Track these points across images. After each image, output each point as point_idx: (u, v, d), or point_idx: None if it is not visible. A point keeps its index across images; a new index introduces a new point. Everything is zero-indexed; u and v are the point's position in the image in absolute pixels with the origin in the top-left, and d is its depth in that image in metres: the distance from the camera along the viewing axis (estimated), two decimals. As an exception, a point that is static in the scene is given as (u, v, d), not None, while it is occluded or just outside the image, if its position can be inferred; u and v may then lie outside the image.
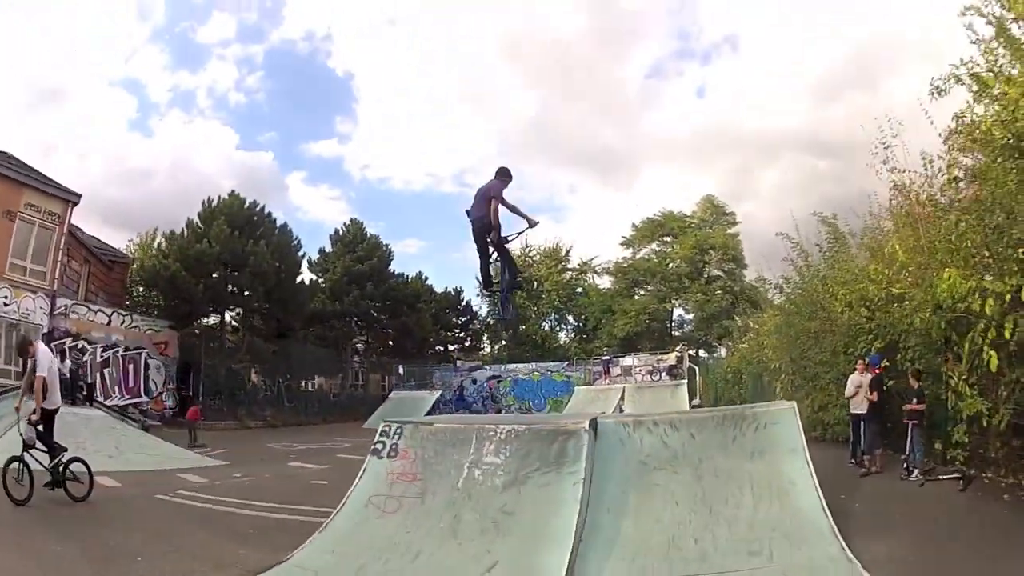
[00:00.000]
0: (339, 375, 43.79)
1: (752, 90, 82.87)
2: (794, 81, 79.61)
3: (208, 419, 27.04)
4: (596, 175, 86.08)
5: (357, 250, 43.46)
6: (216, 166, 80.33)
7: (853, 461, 13.43)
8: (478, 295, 51.22)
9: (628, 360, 39.11)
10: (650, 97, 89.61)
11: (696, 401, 37.18)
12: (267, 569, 6.74)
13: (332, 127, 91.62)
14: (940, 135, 11.80)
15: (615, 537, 7.05)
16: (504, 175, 9.96)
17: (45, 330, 25.19)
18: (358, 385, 45.11)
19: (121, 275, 34.91)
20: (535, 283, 51.01)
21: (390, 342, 46.37)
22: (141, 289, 35.51)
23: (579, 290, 53.27)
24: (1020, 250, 9.33)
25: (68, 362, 22.98)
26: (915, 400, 11.68)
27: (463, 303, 51.40)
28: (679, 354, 35.59)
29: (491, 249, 10.17)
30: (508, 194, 9.99)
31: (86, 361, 27.01)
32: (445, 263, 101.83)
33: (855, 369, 13.49)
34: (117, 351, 28.75)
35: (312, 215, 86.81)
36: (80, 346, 27.18)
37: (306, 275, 41.88)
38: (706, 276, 50.97)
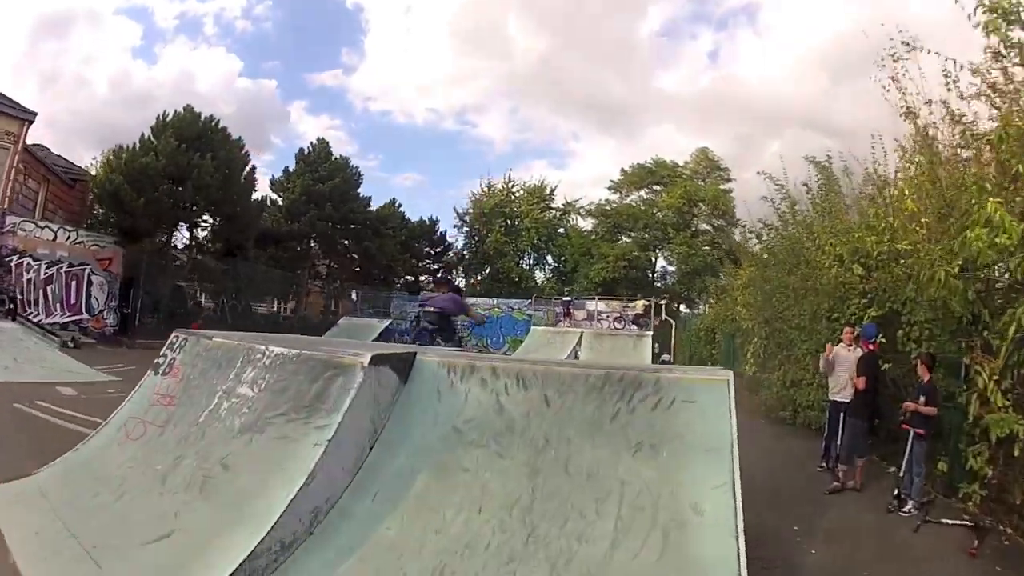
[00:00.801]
0: (293, 298, 40.04)
1: (764, 63, 78.05)
2: (807, 58, 74.29)
3: (145, 338, 24.79)
4: (600, 126, 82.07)
5: (320, 170, 39.56)
6: (218, 92, 76.65)
7: (824, 465, 9.75)
8: (455, 227, 48.32)
9: (595, 305, 35.46)
10: (661, 55, 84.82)
11: (666, 357, 34.20)
12: (7, 481, 5.85)
13: (338, 58, 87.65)
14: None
15: (361, 543, 4.49)
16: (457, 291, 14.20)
17: (-10, 246, 23.83)
18: (324, 310, 41.05)
19: (82, 193, 32.18)
20: (516, 219, 47.50)
21: (356, 268, 42.73)
22: (98, 207, 32.14)
23: (561, 231, 49.41)
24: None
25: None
26: (922, 399, 7.63)
27: (438, 233, 47.88)
28: (647, 303, 31.69)
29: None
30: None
31: (30, 279, 25.34)
32: (441, 198, 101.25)
33: (840, 340, 9.63)
34: (61, 267, 26.68)
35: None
36: (25, 263, 25.35)
37: (269, 195, 39.26)
38: (693, 229, 47.14)
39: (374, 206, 42.98)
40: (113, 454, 5.97)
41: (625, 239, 48.68)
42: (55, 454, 6.37)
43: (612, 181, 51.24)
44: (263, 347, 5.98)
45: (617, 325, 30.79)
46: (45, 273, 26.10)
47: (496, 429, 4.96)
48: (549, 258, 50.07)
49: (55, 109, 63.59)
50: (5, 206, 24.99)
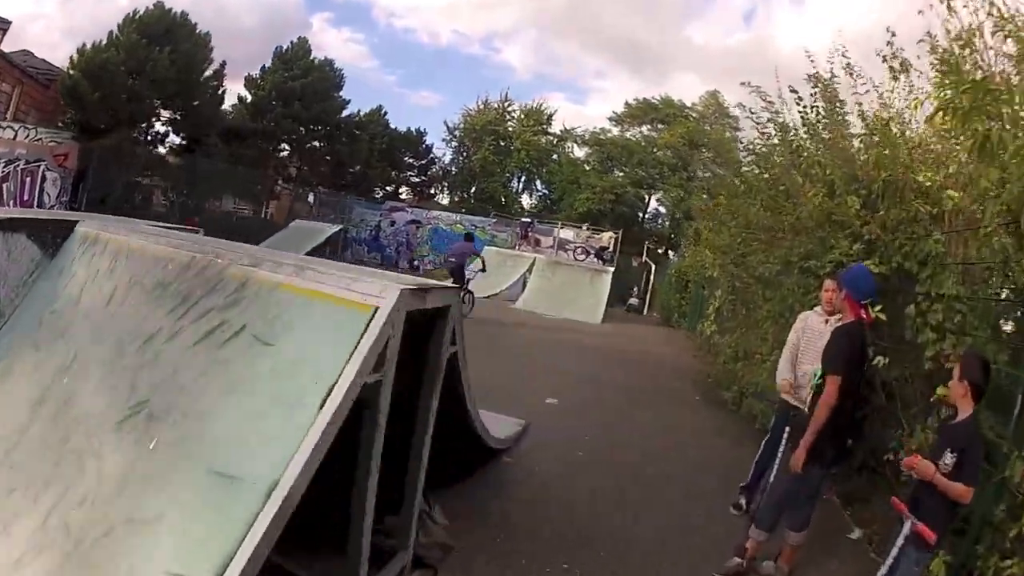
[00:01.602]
0: (255, 199, 36.29)
1: (800, 33, 71.79)
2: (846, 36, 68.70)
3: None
4: (626, 67, 74.91)
5: (294, 68, 35.25)
6: (242, 2, 70.25)
7: (742, 504, 5.85)
8: (444, 140, 44.17)
9: (559, 231, 31.47)
10: (696, 7, 77.98)
11: (634, 301, 30.55)
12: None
13: None
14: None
15: None
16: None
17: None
18: (290, 214, 37.15)
19: (56, 93, 30.20)
20: (508, 139, 43.21)
21: (326, 171, 38.63)
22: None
23: (555, 157, 44.85)
24: None
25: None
26: (949, 456, 3.28)
27: (424, 145, 43.52)
28: (614, 235, 27.49)
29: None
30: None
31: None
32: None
33: (814, 305, 5.79)
34: (18, 165, 26.54)
35: (330, 56, 75.59)
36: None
37: (242, 91, 35.49)
38: (690, 173, 42.25)
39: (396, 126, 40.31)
40: None
41: (619, 173, 44.24)
42: None
43: (615, 112, 46.46)
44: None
45: (579, 256, 26.53)
46: (3, 171, 25.97)
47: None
48: (539, 183, 45.91)
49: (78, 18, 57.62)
50: (-28, 109, 24.54)
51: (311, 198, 35.26)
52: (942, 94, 4.30)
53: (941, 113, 4.05)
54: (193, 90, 30.30)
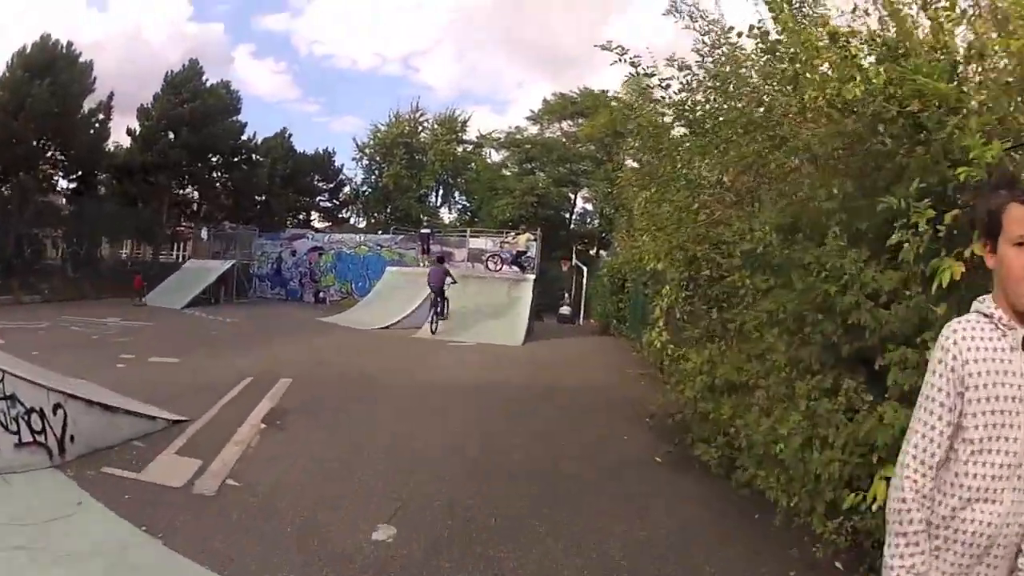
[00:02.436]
0: (153, 241, 32.70)
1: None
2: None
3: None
4: (547, 74, 71.94)
5: (183, 92, 31.51)
6: (167, 39, 66.20)
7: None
8: (354, 159, 41.66)
9: (478, 242, 27.95)
10: (616, 5, 74.61)
11: (566, 310, 26.72)
12: None
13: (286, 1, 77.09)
14: None
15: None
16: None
17: None
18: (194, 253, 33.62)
19: None
20: (421, 152, 39.77)
21: (228, 203, 35.29)
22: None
23: (471, 165, 41.79)
24: None
25: None
26: None
27: (333, 167, 40.40)
28: (532, 237, 23.03)
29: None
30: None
31: None
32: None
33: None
34: None
35: (255, 90, 73.51)
36: None
37: (133, 124, 31.56)
38: (616, 163, 38.67)
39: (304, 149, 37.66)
40: None
41: (540, 174, 41.24)
42: None
43: (532, 111, 43.56)
44: None
45: (491, 265, 21.90)
46: None
47: None
48: (457, 195, 42.91)
49: None
50: None
51: (204, 234, 32.15)
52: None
53: None
54: (74, 124, 27.03)
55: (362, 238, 31.78)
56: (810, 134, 4.61)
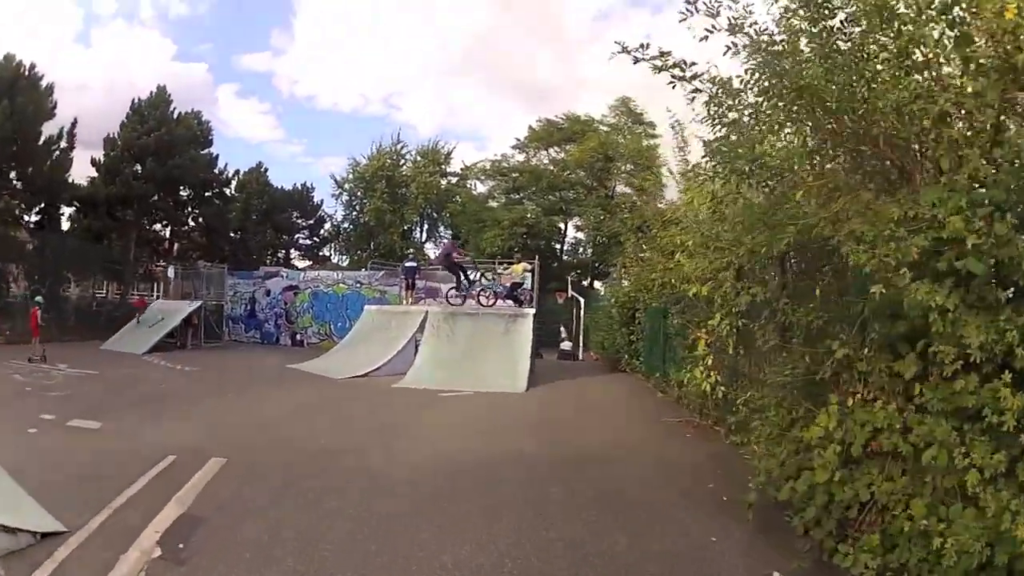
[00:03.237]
0: (121, 280, 30.54)
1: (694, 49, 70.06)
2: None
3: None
4: (528, 106, 71.63)
5: (149, 120, 29.56)
6: (151, 77, 68.04)
7: None
8: (333, 196, 38.43)
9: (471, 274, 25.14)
10: (593, 37, 74.10)
11: (566, 345, 24.76)
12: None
13: (268, 40, 77.34)
14: None
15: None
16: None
17: None
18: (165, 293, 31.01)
19: None
20: (403, 185, 37.66)
21: (205, 239, 33.48)
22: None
23: (456, 198, 39.72)
24: None
25: None
26: None
27: (312, 203, 38.58)
28: (529, 266, 20.31)
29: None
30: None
31: None
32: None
33: None
34: None
35: (238, 130, 72.55)
36: None
37: (97, 154, 29.61)
38: (609, 191, 37.74)
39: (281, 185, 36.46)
40: None
41: (528, 203, 39.32)
42: None
43: (518, 139, 41.36)
44: None
45: (483, 300, 19.20)
46: None
47: None
48: (443, 229, 40.71)
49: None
50: None
51: (171, 272, 29.80)
52: None
53: None
54: (32, 150, 25.19)
55: (339, 275, 29.60)
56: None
